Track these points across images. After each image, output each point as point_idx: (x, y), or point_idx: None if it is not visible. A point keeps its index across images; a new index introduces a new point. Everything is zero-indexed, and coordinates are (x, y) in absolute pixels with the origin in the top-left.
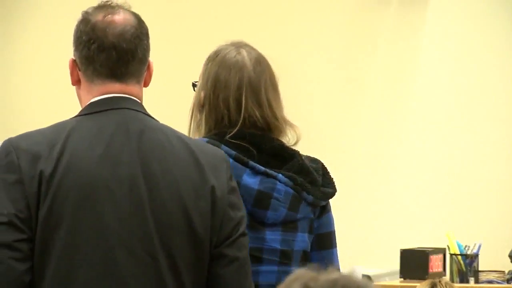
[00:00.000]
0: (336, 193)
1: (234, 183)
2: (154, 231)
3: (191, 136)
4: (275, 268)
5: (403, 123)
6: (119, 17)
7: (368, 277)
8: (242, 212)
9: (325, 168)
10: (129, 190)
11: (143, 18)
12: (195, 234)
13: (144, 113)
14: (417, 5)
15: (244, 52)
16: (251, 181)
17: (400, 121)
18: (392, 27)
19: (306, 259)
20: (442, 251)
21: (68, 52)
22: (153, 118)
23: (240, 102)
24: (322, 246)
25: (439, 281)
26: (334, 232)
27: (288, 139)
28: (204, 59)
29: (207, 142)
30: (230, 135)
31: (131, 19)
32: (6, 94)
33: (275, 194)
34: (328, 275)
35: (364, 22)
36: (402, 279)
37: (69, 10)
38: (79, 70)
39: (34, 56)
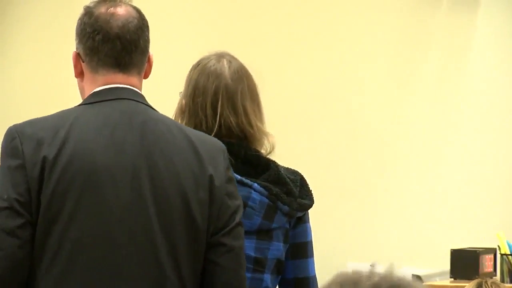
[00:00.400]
0: (387, 194)
1: (231, 173)
2: (154, 218)
3: None
4: (248, 275)
5: (455, 124)
6: (121, 9)
7: (418, 277)
8: (239, 201)
9: (304, 180)
10: (131, 178)
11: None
12: (194, 222)
13: (145, 104)
14: (468, 7)
15: (224, 62)
16: None
17: (452, 122)
18: (443, 28)
19: (280, 267)
20: (492, 251)
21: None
22: (154, 109)
23: (216, 108)
24: (297, 255)
25: (485, 281)
26: (310, 242)
27: (266, 148)
28: None
29: None
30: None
31: (132, 11)
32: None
33: (249, 203)
34: (370, 279)
35: (414, 24)
36: (452, 279)
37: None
38: (83, 62)
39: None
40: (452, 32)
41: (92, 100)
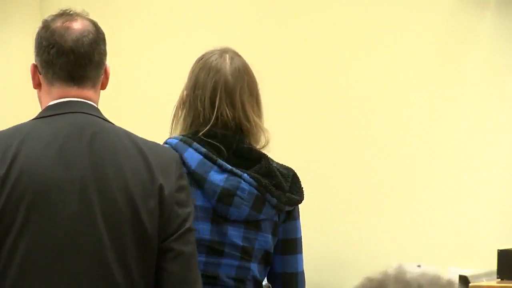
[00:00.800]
0: (434, 193)
1: (183, 182)
2: (104, 230)
3: (172, 131)
4: (236, 262)
5: (499, 125)
6: (77, 23)
7: (465, 277)
8: (189, 209)
9: (297, 177)
10: (79, 190)
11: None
12: (145, 232)
13: (98, 116)
14: None
15: (226, 57)
16: (218, 178)
17: (496, 123)
18: (489, 30)
19: (268, 259)
20: None
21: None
22: (108, 121)
23: (214, 102)
24: (286, 251)
25: None
26: (300, 239)
27: (262, 143)
28: None
29: (181, 140)
30: (202, 133)
31: (88, 25)
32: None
33: (238, 192)
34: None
35: (460, 26)
36: (499, 279)
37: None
38: (40, 74)
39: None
40: (499, 34)
41: (45, 114)
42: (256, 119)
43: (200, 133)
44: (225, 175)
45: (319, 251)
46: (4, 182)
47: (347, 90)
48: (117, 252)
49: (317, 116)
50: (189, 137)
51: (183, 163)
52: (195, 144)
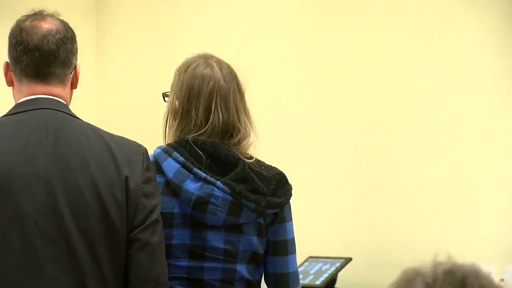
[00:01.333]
0: (489, 194)
1: (150, 174)
2: (70, 220)
3: (166, 140)
4: (219, 265)
5: None
6: (45, 22)
7: None
8: (156, 200)
9: (283, 180)
10: (45, 182)
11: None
12: (112, 222)
13: (65, 112)
14: None
15: (213, 64)
16: (192, 186)
17: None
18: None
19: (257, 259)
20: None
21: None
22: (75, 117)
23: (210, 106)
24: (276, 252)
25: None
26: (290, 240)
27: (250, 143)
28: None
29: (163, 149)
30: (186, 139)
31: (57, 24)
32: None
33: (212, 200)
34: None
35: None
36: None
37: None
38: (11, 71)
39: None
40: None
41: (13, 112)
42: (246, 119)
43: (184, 140)
44: (199, 183)
45: (372, 253)
46: None
47: (407, 88)
48: (86, 242)
49: (379, 112)
50: (172, 146)
51: (162, 172)
52: (175, 154)
